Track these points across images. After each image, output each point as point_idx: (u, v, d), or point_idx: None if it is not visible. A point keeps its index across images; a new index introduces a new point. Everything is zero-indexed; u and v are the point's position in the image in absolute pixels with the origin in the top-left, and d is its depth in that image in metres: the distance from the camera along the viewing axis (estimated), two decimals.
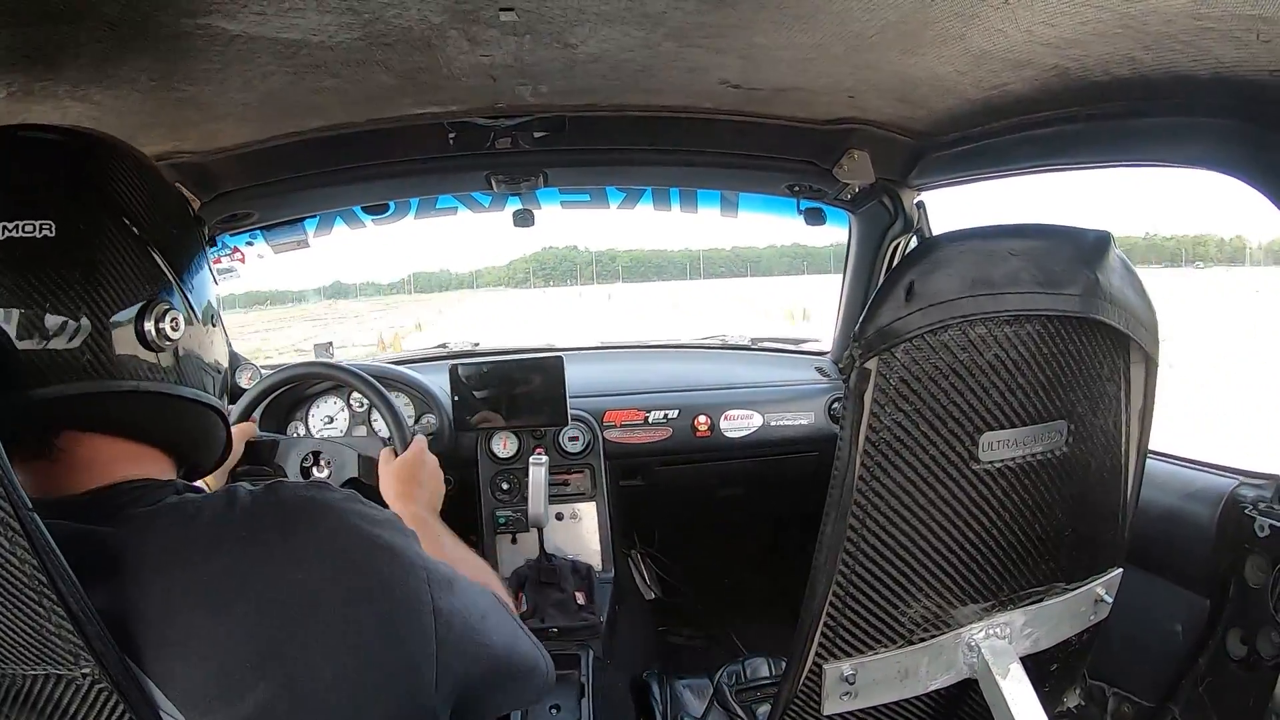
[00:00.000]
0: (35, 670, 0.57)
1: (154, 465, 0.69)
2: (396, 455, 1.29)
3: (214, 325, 0.76)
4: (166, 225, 0.70)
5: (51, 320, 0.62)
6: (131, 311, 0.65)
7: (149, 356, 0.67)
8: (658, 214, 1.99)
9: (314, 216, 1.89)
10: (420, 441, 1.32)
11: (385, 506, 1.14)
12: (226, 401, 0.80)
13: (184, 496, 0.65)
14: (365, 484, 1.50)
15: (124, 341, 0.65)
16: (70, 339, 0.62)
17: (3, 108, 1.02)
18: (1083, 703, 0.97)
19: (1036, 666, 0.80)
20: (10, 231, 0.60)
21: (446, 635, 0.67)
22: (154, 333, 0.66)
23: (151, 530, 0.61)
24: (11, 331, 0.61)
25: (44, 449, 0.64)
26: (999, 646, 0.78)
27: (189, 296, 0.71)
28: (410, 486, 1.21)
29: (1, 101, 1.00)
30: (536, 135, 1.46)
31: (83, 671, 0.56)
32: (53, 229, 0.61)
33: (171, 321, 0.67)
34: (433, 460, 1.29)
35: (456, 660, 0.68)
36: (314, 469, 1.54)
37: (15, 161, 0.64)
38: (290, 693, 0.59)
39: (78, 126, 0.70)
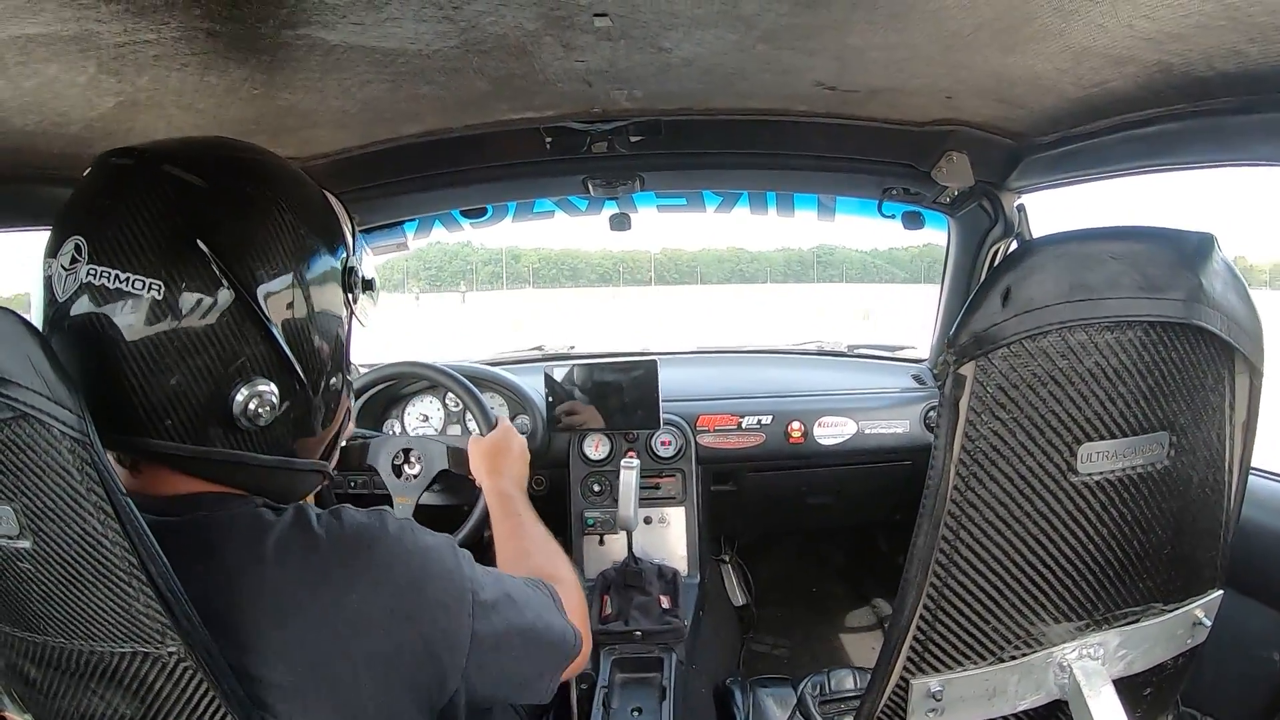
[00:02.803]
0: (123, 648, 0.60)
1: (230, 490, 0.71)
2: (481, 433, 1.36)
3: (325, 385, 0.76)
4: (290, 284, 0.70)
5: (129, 363, 0.64)
6: (220, 370, 0.66)
7: (233, 430, 0.68)
8: (753, 217, 1.98)
9: (413, 220, 1.93)
10: (505, 423, 1.38)
11: (476, 489, 1.18)
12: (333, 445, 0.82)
13: (259, 510, 0.68)
14: (456, 473, 1.54)
15: (207, 408, 0.66)
16: (145, 384, 0.65)
17: (111, 116, 1.06)
18: None
19: (1129, 690, 0.77)
20: (121, 284, 0.62)
21: (479, 658, 0.72)
22: (240, 412, 0.67)
23: (228, 535, 0.65)
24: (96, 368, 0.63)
25: (129, 461, 0.69)
26: (1091, 668, 0.75)
27: (298, 360, 0.71)
28: (498, 462, 1.27)
29: (110, 111, 1.04)
30: (632, 139, 1.47)
31: (169, 650, 0.59)
32: (161, 291, 0.63)
33: (259, 404, 0.68)
34: (520, 440, 1.35)
35: (479, 679, 0.73)
36: (405, 466, 1.60)
37: (149, 204, 0.64)
38: (332, 700, 0.64)
39: (227, 151, 0.72)
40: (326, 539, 0.67)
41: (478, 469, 1.31)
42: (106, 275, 0.62)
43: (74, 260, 0.63)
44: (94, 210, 0.65)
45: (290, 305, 0.70)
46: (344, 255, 0.76)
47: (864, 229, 2.00)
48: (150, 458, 0.68)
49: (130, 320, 0.63)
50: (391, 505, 1.59)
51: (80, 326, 0.63)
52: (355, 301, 0.78)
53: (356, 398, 1.62)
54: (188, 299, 0.64)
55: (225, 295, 0.65)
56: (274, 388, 0.68)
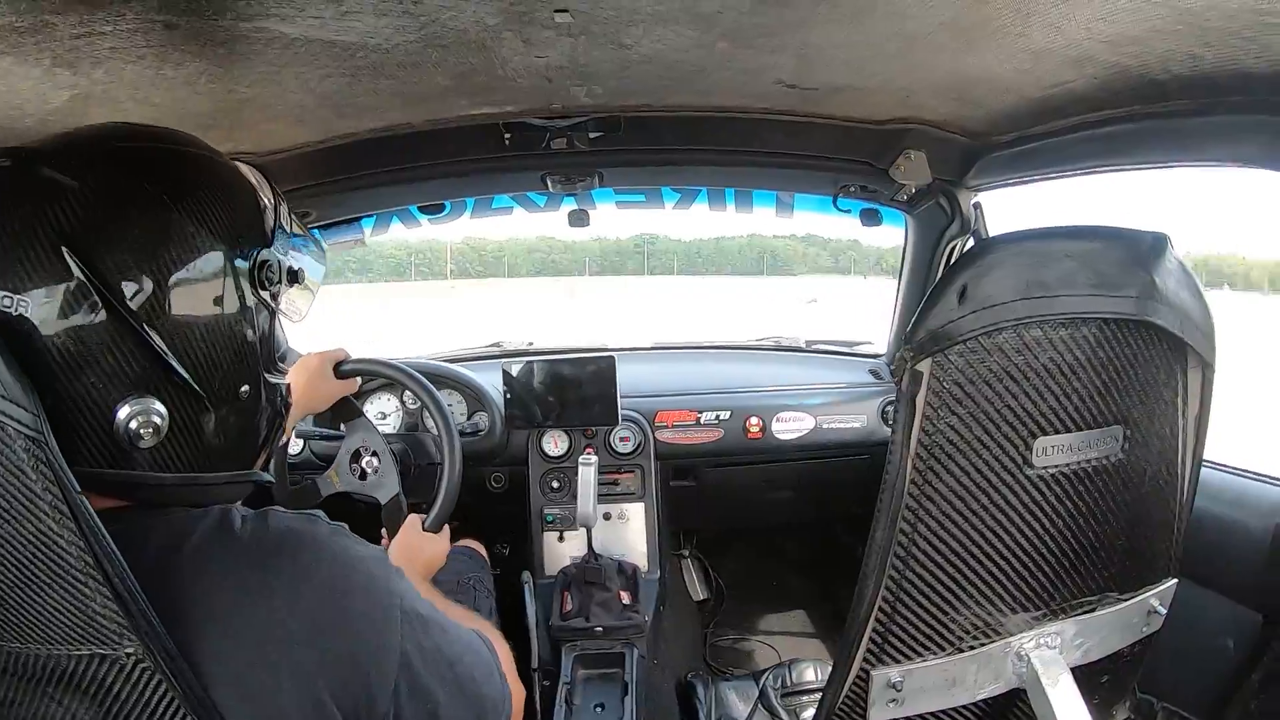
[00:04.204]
0: (81, 650, 0.59)
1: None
2: (423, 525, 1.30)
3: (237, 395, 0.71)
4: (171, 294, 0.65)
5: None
6: (103, 391, 0.62)
7: (121, 450, 0.63)
8: (712, 213, 1.98)
9: (371, 216, 1.91)
10: (411, 521, 1.32)
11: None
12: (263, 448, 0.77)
13: (180, 514, 0.65)
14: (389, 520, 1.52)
15: (97, 431, 0.62)
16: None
17: (65, 109, 1.04)
18: (1132, 716, 0.95)
19: (1086, 678, 0.78)
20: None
21: (407, 675, 0.68)
22: (123, 431, 0.62)
23: (144, 541, 0.62)
24: None
25: None
26: (1049, 656, 0.76)
27: (194, 379, 0.66)
28: (408, 560, 1.19)
29: (65, 104, 1.02)
30: (592, 136, 1.47)
31: (127, 651, 0.58)
32: (28, 308, 0.59)
33: (143, 423, 0.63)
34: (426, 542, 1.29)
35: (409, 700, 0.68)
36: (365, 463, 1.57)
37: (22, 212, 0.60)
38: (253, 712, 0.61)
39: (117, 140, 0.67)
40: (247, 542, 0.64)
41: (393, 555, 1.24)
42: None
43: None
44: None
45: (176, 312, 0.64)
46: (256, 250, 0.70)
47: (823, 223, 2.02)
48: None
49: (5, 340, 0.57)
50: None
51: None
52: (276, 298, 0.73)
53: None
54: (58, 315, 0.59)
55: (95, 307, 0.60)
56: (160, 406, 0.63)
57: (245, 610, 0.62)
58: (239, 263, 0.68)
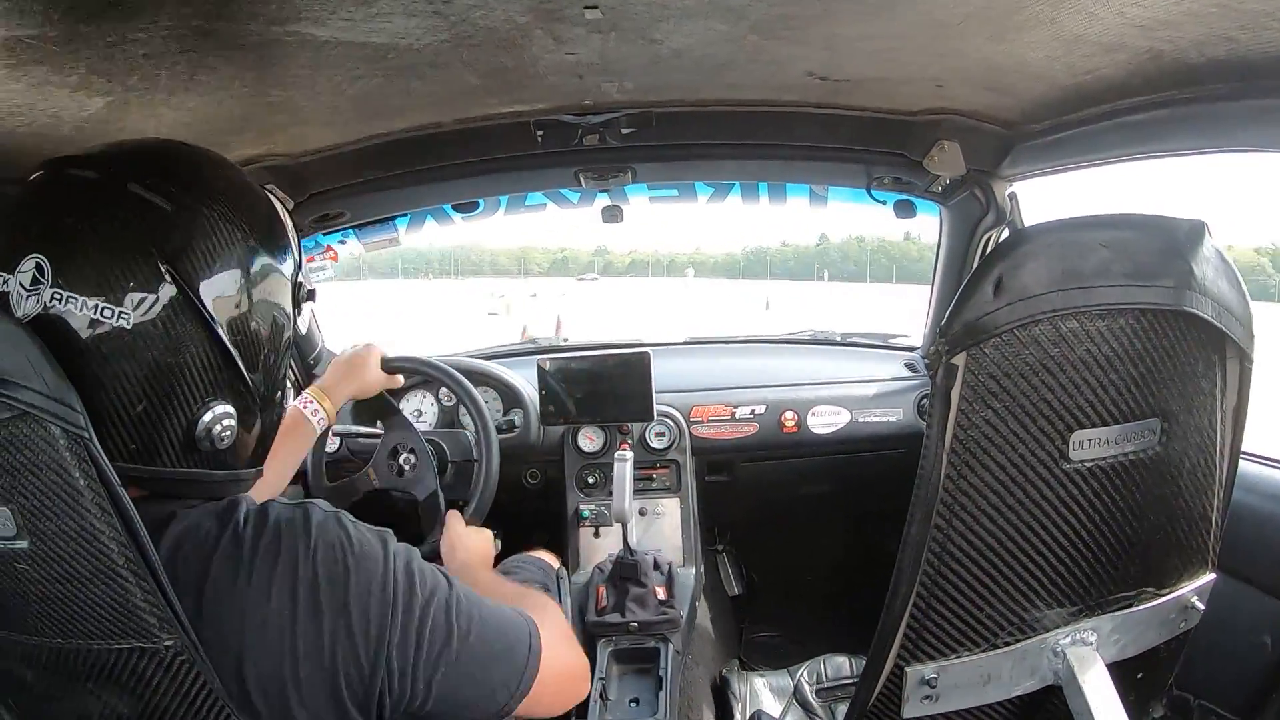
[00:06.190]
0: (121, 644, 0.60)
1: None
2: (464, 520, 1.31)
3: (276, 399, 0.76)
4: (246, 294, 0.70)
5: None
6: (181, 394, 0.66)
7: (193, 451, 0.67)
8: (745, 207, 1.97)
9: (405, 215, 1.92)
10: (455, 517, 1.32)
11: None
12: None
13: (192, 514, 0.67)
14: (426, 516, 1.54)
15: (171, 430, 0.66)
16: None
17: (102, 116, 1.05)
18: (1168, 713, 0.94)
19: (1122, 674, 0.78)
20: (89, 311, 0.61)
21: (403, 649, 0.69)
22: (204, 435, 0.67)
23: (161, 537, 0.64)
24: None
25: None
26: (1085, 653, 0.76)
27: (255, 386, 0.71)
28: (460, 550, 1.21)
29: (100, 111, 1.03)
30: (624, 131, 1.46)
31: (166, 644, 0.59)
32: (129, 320, 0.62)
33: (223, 429, 0.68)
34: (470, 533, 1.28)
35: (404, 672, 0.69)
36: (402, 460, 1.59)
37: (114, 229, 0.64)
38: (265, 696, 0.64)
39: (193, 163, 0.72)
40: (251, 539, 0.66)
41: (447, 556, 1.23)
42: (74, 301, 0.61)
43: (35, 281, 0.61)
44: (57, 229, 0.63)
45: (251, 330, 0.70)
46: (293, 270, 0.76)
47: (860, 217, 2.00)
48: None
49: (98, 348, 0.62)
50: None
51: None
52: (300, 314, 0.79)
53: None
54: (155, 326, 0.63)
55: (192, 322, 0.65)
56: (232, 409, 0.68)
57: (257, 601, 0.64)
58: (287, 283, 0.75)
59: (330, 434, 1.61)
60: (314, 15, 0.85)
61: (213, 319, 0.65)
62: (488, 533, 1.28)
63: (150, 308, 0.63)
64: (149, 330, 0.63)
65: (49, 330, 0.60)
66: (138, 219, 0.64)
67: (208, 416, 0.67)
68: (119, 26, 0.82)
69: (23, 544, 0.58)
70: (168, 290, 0.63)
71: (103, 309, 0.61)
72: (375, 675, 0.68)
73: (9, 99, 0.94)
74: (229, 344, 0.67)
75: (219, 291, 0.66)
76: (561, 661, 0.85)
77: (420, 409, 1.94)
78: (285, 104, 1.16)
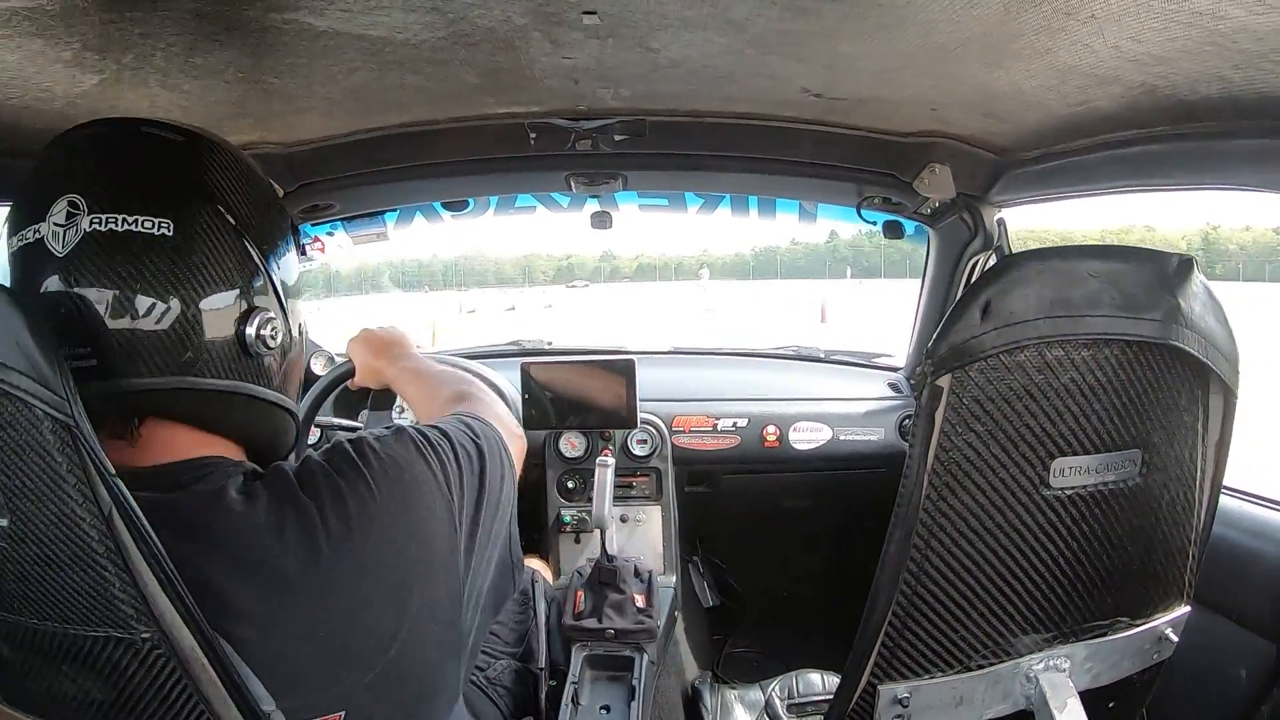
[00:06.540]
0: (96, 632, 0.59)
1: (226, 449, 0.72)
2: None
3: (297, 321, 0.78)
4: (266, 224, 0.73)
5: (146, 303, 0.65)
6: (229, 306, 0.69)
7: (243, 359, 0.70)
8: (735, 219, 1.98)
9: (394, 210, 1.92)
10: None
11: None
12: (299, 392, 0.83)
13: (243, 478, 0.68)
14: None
15: (221, 340, 0.68)
16: (159, 321, 0.65)
17: (95, 93, 1.04)
18: None
19: (1094, 703, 0.77)
20: (130, 225, 0.64)
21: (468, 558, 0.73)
22: (254, 338, 0.70)
23: (213, 508, 0.64)
24: (107, 314, 0.64)
25: (127, 431, 0.67)
26: (1058, 680, 0.76)
27: (280, 292, 0.74)
28: (390, 350, 1.19)
29: (94, 88, 1.02)
30: (617, 138, 1.46)
31: (143, 635, 0.58)
32: (170, 228, 0.65)
33: (271, 329, 0.71)
34: (385, 327, 1.26)
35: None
36: None
37: (139, 158, 0.68)
38: (343, 658, 0.64)
39: (190, 127, 0.73)
40: (314, 505, 0.66)
41: (373, 369, 1.20)
42: (114, 220, 0.63)
43: (70, 215, 0.63)
44: (81, 171, 0.66)
45: (274, 243, 0.74)
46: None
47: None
48: (153, 415, 0.68)
49: (145, 260, 0.64)
50: None
51: (92, 277, 0.64)
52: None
53: (335, 386, 1.59)
54: (197, 234, 0.66)
55: (229, 230, 0.69)
56: (273, 311, 0.72)
57: (328, 571, 0.65)
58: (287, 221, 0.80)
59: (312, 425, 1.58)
60: (312, 5, 0.85)
61: (245, 228, 0.70)
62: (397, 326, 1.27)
63: (190, 217, 0.66)
64: (193, 237, 0.66)
65: (98, 251, 0.63)
66: (157, 149, 0.69)
67: (257, 319, 0.70)
68: (116, 4, 0.81)
69: (3, 521, 0.58)
70: (201, 199, 0.68)
71: (144, 221, 0.64)
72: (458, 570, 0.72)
73: (2, 71, 0.93)
74: (261, 251, 0.72)
75: (242, 205, 0.70)
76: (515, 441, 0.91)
77: (404, 406, 1.92)
78: (280, 92, 1.15)
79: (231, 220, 0.69)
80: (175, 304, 0.66)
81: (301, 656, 0.63)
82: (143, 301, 0.64)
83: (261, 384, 0.72)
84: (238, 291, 0.70)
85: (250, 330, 0.70)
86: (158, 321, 0.65)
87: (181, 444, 0.69)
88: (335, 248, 1.95)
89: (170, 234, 0.65)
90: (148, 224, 0.64)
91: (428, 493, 0.71)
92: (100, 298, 0.64)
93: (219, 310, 0.68)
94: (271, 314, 0.71)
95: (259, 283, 0.72)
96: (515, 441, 0.90)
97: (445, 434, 0.77)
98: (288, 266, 0.77)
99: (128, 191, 0.65)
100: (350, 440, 0.72)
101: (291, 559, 0.63)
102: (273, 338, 0.71)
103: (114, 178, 0.66)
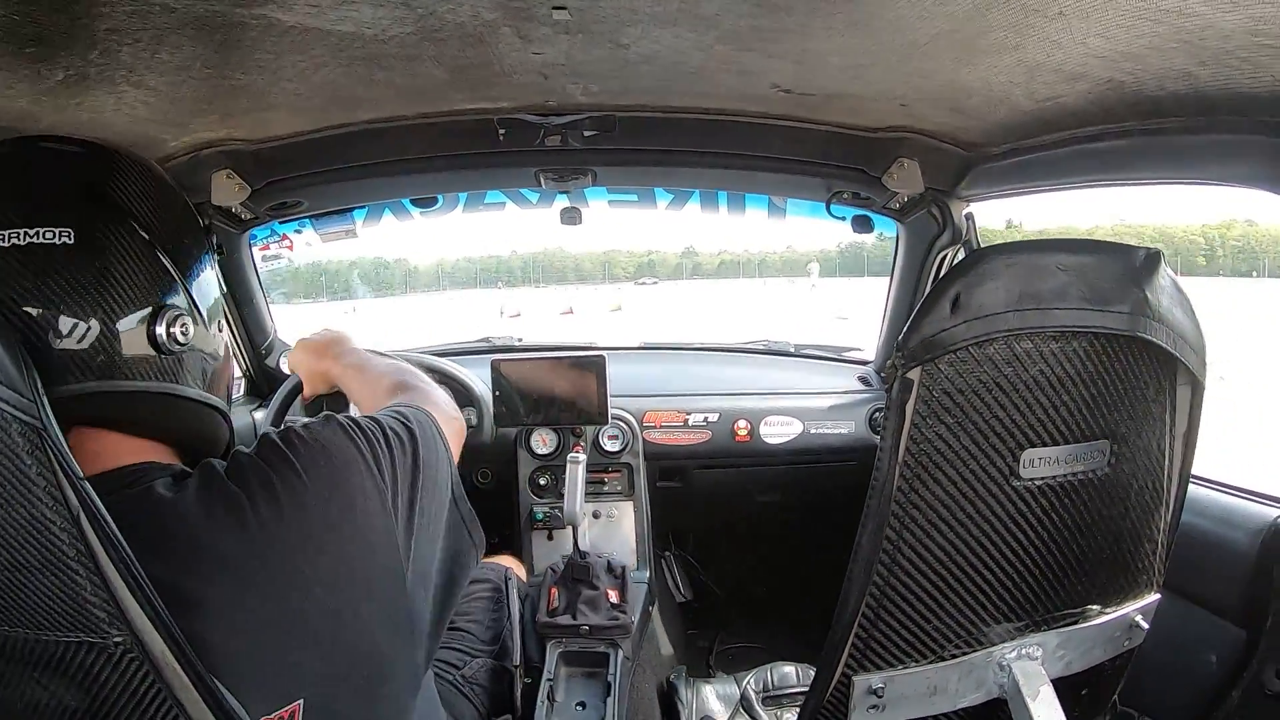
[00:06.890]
0: (69, 637, 0.58)
1: (156, 454, 0.72)
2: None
3: (218, 327, 0.78)
4: (176, 232, 0.73)
5: (65, 322, 0.64)
6: (142, 314, 0.68)
7: (157, 359, 0.70)
8: (704, 215, 1.98)
9: (363, 207, 1.91)
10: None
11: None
12: (228, 396, 0.83)
13: (172, 478, 0.68)
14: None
15: (133, 343, 0.68)
16: (80, 340, 0.65)
17: (60, 90, 1.02)
18: None
19: (1067, 690, 0.79)
20: (32, 237, 0.64)
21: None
22: (165, 336, 0.69)
23: (141, 505, 0.64)
24: (27, 327, 0.63)
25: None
26: (1030, 668, 0.77)
27: (195, 298, 0.74)
28: (332, 349, 1.19)
29: (59, 84, 1.01)
30: (586, 134, 1.46)
31: (115, 640, 0.57)
32: (71, 236, 0.65)
33: (182, 327, 0.71)
34: (329, 330, 1.26)
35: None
36: None
37: (38, 171, 0.69)
38: (298, 628, 0.65)
39: (94, 139, 0.74)
40: (243, 494, 0.66)
41: (318, 373, 1.20)
42: (16, 235, 0.63)
43: None
44: None
45: (183, 242, 0.74)
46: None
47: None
48: (79, 423, 0.67)
49: (48, 271, 0.64)
50: None
51: (9, 292, 0.64)
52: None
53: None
54: (99, 240, 0.66)
55: (127, 234, 0.68)
56: (182, 306, 0.72)
57: (266, 556, 0.65)
58: (199, 220, 0.80)
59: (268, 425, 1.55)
60: (280, 0, 0.84)
61: (147, 230, 0.69)
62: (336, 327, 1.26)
63: (91, 223, 0.66)
64: (96, 243, 0.66)
65: (9, 267, 0.63)
66: (53, 160, 0.69)
67: (167, 316, 0.69)
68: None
69: None
70: (102, 206, 0.68)
71: (44, 233, 0.64)
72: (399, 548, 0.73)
73: None
74: (166, 250, 0.71)
75: (146, 208, 0.70)
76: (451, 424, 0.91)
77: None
78: (247, 88, 1.14)
79: (140, 230, 0.69)
80: (87, 311, 0.65)
81: (258, 642, 0.63)
82: (64, 321, 0.65)
83: (184, 383, 0.72)
84: (152, 305, 0.69)
85: (160, 329, 0.69)
86: (70, 332, 0.65)
87: (110, 453, 0.68)
88: (304, 245, 1.93)
89: (71, 242, 0.65)
90: (48, 234, 0.64)
91: (356, 473, 0.71)
92: (14, 319, 0.63)
93: (130, 315, 0.68)
94: (180, 311, 0.71)
95: (173, 287, 0.72)
96: (452, 424, 0.90)
97: (375, 419, 0.77)
98: (206, 284, 0.77)
99: (24, 203, 0.65)
100: (278, 431, 0.72)
101: (226, 537, 0.64)
102: (183, 334, 0.71)
103: (13, 194, 0.66)
